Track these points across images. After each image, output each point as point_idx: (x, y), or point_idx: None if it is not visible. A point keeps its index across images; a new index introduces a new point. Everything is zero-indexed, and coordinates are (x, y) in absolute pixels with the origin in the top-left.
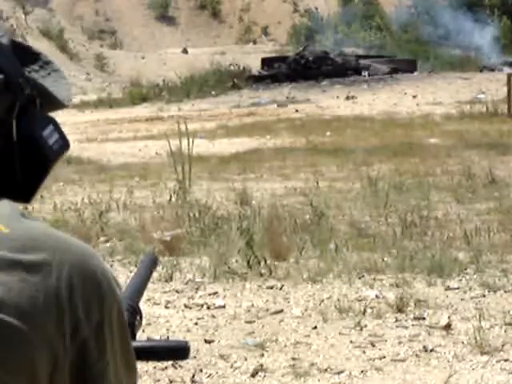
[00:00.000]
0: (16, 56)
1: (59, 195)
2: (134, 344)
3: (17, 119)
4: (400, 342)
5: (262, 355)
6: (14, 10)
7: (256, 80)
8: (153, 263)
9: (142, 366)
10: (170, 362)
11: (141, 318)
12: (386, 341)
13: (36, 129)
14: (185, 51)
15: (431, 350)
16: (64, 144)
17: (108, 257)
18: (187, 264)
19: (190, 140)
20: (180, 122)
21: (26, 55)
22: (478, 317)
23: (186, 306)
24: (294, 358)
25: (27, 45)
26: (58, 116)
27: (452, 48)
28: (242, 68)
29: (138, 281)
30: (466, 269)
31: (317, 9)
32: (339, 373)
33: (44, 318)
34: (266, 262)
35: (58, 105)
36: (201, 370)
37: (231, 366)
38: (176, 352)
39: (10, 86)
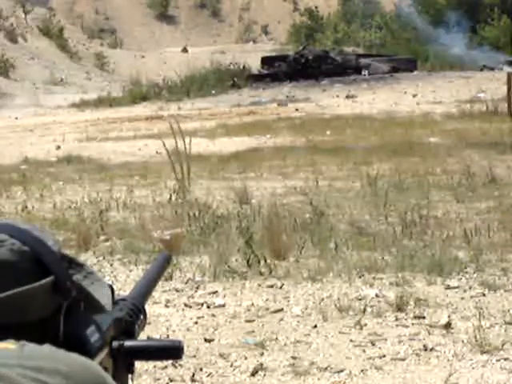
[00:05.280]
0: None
1: (59, 194)
2: (128, 343)
3: (63, 318)
4: (400, 341)
5: (262, 354)
6: (14, 9)
7: (256, 79)
8: (166, 261)
9: (141, 365)
10: (170, 361)
11: (145, 318)
12: (386, 340)
13: (80, 327)
14: (185, 50)
15: (431, 349)
16: (103, 342)
17: (108, 256)
18: (187, 263)
19: (187, 139)
20: (174, 122)
21: (72, 264)
22: (477, 316)
23: (185, 305)
24: (293, 357)
25: (72, 256)
26: (59, 115)
27: (452, 47)
28: (241, 67)
29: (147, 279)
30: (465, 268)
31: (317, 8)
32: (339, 372)
33: None
34: (265, 260)
35: (100, 309)
36: (201, 369)
37: (231, 365)
38: (170, 351)
39: (59, 288)
